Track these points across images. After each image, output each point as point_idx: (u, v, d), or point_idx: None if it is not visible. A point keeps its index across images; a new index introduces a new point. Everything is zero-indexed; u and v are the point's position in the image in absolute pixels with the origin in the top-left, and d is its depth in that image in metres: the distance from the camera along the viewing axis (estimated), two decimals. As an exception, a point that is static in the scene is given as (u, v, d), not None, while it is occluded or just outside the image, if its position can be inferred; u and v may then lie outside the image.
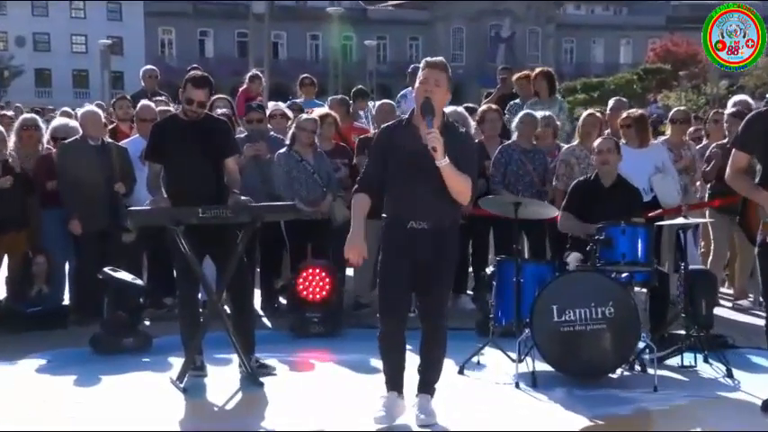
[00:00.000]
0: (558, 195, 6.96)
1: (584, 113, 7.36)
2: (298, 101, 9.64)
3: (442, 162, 3.93)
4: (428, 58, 4.11)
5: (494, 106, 7.97)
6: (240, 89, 10.06)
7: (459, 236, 4.20)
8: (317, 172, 6.84)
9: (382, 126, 4.30)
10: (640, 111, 7.77)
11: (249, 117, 7.32)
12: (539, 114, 7.48)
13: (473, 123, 7.42)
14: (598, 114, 7.39)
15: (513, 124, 7.21)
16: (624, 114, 7.28)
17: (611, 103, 8.20)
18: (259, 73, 10.13)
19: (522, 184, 6.97)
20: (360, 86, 10.49)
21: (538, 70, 8.84)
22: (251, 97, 9.24)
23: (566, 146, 7.27)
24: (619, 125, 7.21)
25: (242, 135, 7.29)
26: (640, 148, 7.01)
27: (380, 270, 4.06)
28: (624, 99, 8.34)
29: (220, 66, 48.57)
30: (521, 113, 7.29)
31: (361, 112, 9.80)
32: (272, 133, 7.41)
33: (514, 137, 7.14)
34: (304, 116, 7.11)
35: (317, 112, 7.62)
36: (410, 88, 9.90)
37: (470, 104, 8.90)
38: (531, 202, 5.59)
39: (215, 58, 51.86)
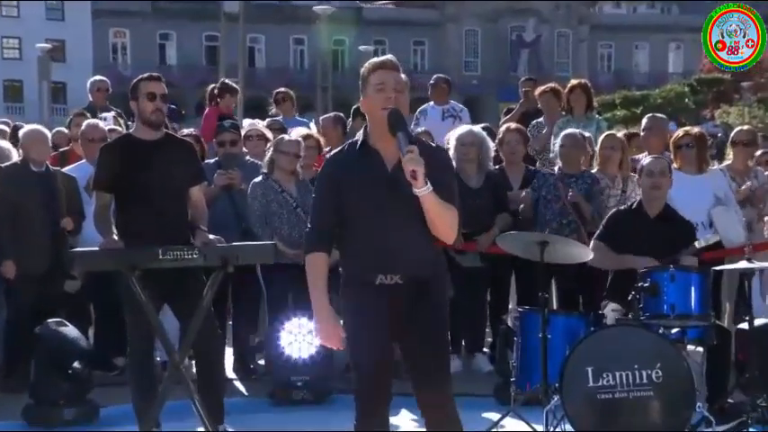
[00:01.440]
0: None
1: (603, 135, 7.46)
2: (279, 118, 9.71)
3: (424, 190, 3.63)
4: (375, 59, 3.87)
5: (514, 125, 8.07)
6: (208, 108, 10.15)
7: (446, 284, 3.98)
8: (300, 206, 6.91)
9: (327, 157, 4.04)
10: (697, 128, 7.83)
11: (220, 139, 7.40)
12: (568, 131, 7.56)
13: (492, 146, 7.50)
14: (620, 135, 7.47)
15: (556, 147, 7.26)
16: (681, 132, 7.30)
17: (644, 122, 7.90)
18: (233, 83, 10.21)
19: (551, 212, 7.03)
20: None
21: (574, 83, 8.93)
22: (224, 115, 9.30)
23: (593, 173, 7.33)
24: (673, 145, 7.22)
25: (212, 161, 7.35)
26: (698, 175, 7.05)
27: (348, 345, 3.80)
28: (661, 116, 8.37)
29: (185, 75, 49.13)
30: (563, 133, 7.32)
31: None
32: (247, 158, 7.48)
33: (558, 163, 7.20)
34: (285, 137, 7.18)
35: (297, 132, 7.71)
36: (431, 103, 10.03)
37: (487, 125, 8.97)
38: (561, 240, 5.63)
39: (178, 66, 52.32)
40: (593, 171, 7.25)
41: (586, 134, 7.69)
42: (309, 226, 3.95)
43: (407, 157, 3.61)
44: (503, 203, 7.29)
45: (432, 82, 10.15)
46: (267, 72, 51.81)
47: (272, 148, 7.03)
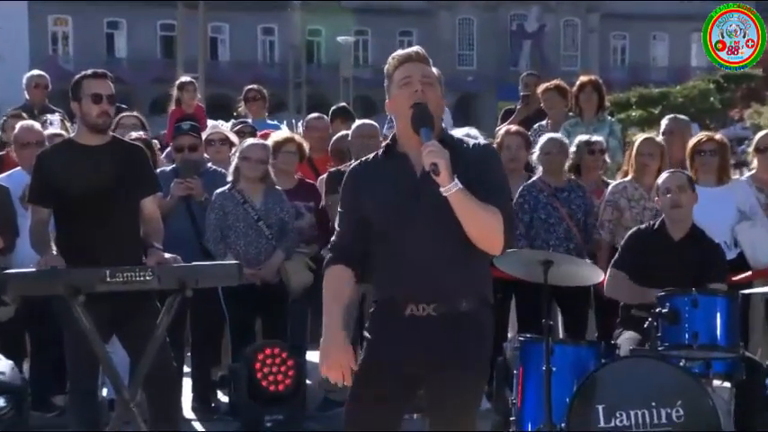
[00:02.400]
0: (602, 251, 7.04)
1: (640, 138, 7.45)
2: (249, 120, 9.72)
3: (451, 187, 3.53)
4: (400, 53, 3.82)
5: (514, 128, 8.10)
6: (171, 109, 10.15)
7: (493, 323, 3.85)
8: (263, 219, 6.93)
9: (351, 165, 4.01)
10: (719, 134, 7.83)
11: (178, 143, 7.41)
12: (583, 138, 7.59)
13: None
14: (659, 139, 7.46)
15: (534, 155, 7.29)
16: (702, 137, 7.25)
17: (665, 123, 7.92)
18: (192, 80, 10.23)
19: (556, 237, 7.05)
20: (341, 105, 10.60)
21: (583, 79, 8.97)
22: (187, 116, 9.31)
23: (614, 182, 7.36)
24: (692, 151, 7.19)
25: (168, 168, 7.35)
26: (719, 186, 7.08)
27: (355, 379, 3.70)
28: (683, 117, 8.36)
29: (137, 70, 49.09)
30: (542, 139, 7.37)
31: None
32: (209, 165, 7.49)
33: (538, 173, 7.24)
34: (249, 141, 7.20)
35: (276, 135, 7.71)
36: None
37: (476, 130, 8.97)
38: (567, 259, 5.65)
39: (129, 59, 52.26)
40: (628, 180, 7.27)
41: (598, 138, 7.71)
42: (332, 241, 3.91)
43: (426, 150, 3.55)
44: (509, 214, 7.30)
45: None
46: (232, 66, 51.80)
47: (236, 154, 7.05)
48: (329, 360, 3.68)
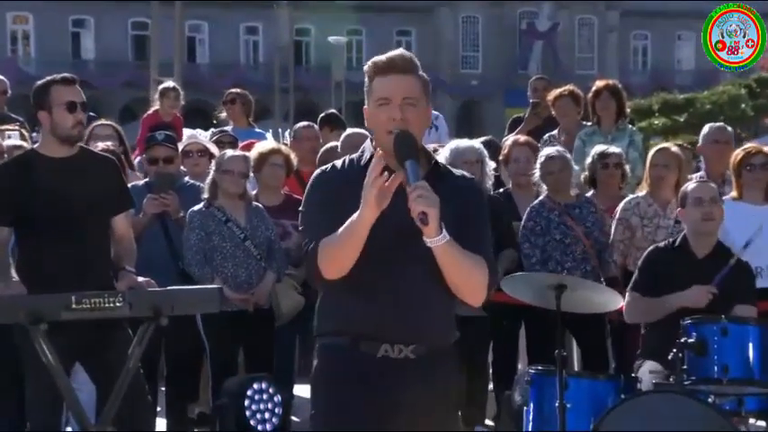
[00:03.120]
0: (616, 274, 7.06)
1: (655, 148, 7.48)
2: (228, 128, 9.73)
3: (438, 240, 3.49)
4: (379, 59, 3.70)
5: (523, 139, 8.12)
6: (145, 114, 10.17)
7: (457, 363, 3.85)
8: (250, 238, 6.93)
9: (318, 170, 3.86)
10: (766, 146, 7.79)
11: (152, 154, 7.42)
12: (598, 150, 7.61)
13: (492, 165, 7.53)
14: (675, 149, 7.49)
15: (536, 173, 7.30)
16: (752, 149, 7.19)
17: (705, 130, 7.91)
18: (175, 85, 10.20)
19: (572, 259, 7.07)
20: (330, 111, 10.62)
21: (600, 84, 8.99)
22: (162, 123, 9.33)
23: (627, 198, 7.38)
24: (737, 166, 7.11)
25: (141, 182, 7.37)
26: (765, 205, 6.98)
27: None
28: (726, 127, 8.31)
29: (106, 74, 49.19)
30: (541, 156, 7.36)
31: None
32: (186, 179, 7.50)
33: (543, 191, 7.27)
34: (228, 153, 7.22)
35: (261, 146, 7.72)
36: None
37: (491, 137, 9.01)
38: (582, 284, 5.66)
39: (97, 61, 52.36)
40: (641, 194, 7.29)
41: (615, 150, 7.73)
42: (307, 240, 3.68)
43: (414, 193, 3.43)
44: (507, 237, 7.31)
45: None
46: (211, 69, 51.91)
47: (213, 167, 7.06)
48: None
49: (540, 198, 7.22)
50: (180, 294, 5.19)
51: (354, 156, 3.80)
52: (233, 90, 10.49)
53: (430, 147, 7.91)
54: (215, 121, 10.79)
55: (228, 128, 9.83)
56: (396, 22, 55.19)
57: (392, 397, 3.63)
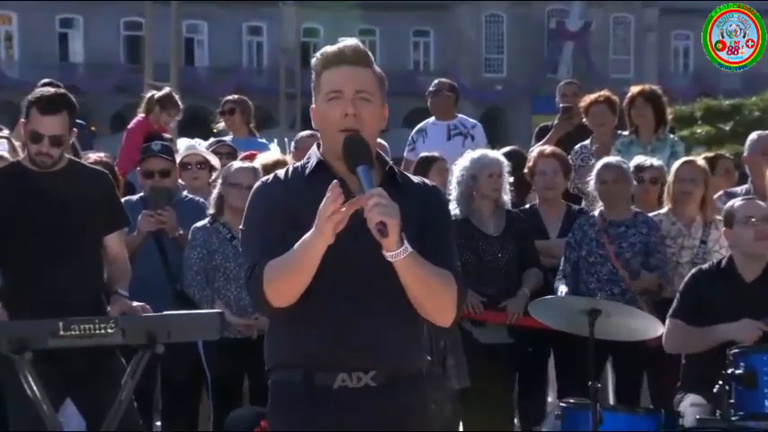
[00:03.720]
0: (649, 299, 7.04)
1: (679, 162, 7.50)
2: (227, 139, 9.74)
3: (399, 253, 3.41)
4: (327, 49, 3.67)
5: (549, 149, 8.09)
6: (135, 120, 10.17)
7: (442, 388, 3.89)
8: (257, 258, 6.95)
9: (258, 182, 3.80)
10: None
11: (147, 167, 7.43)
12: (632, 162, 7.61)
13: (509, 179, 7.52)
14: (701, 162, 7.51)
15: (591, 182, 7.31)
16: None
17: (752, 139, 7.98)
18: (177, 101, 10.13)
19: (596, 279, 7.08)
20: None
21: (637, 89, 8.97)
22: (155, 133, 9.34)
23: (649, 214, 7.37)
24: None
25: (135, 197, 7.40)
26: None
27: None
28: None
29: (96, 77, 49.24)
30: (598, 164, 7.40)
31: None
32: (184, 193, 7.54)
33: (599, 205, 7.27)
34: (236, 164, 7.23)
35: (263, 157, 7.73)
36: (432, 119, 10.10)
37: (515, 147, 8.99)
38: (617, 309, 5.66)
39: (86, 64, 52.46)
40: (664, 212, 7.30)
41: (652, 162, 7.73)
42: (249, 263, 3.61)
43: (371, 202, 3.34)
44: (532, 256, 7.32)
45: (432, 89, 10.21)
46: (211, 73, 51.99)
47: (219, 181, 7.08)
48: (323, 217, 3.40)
49: (594, 212, 7.25)
50: (177, 319, 5.20)
51: (299, 163, 3.74)
52: (230, 98, 10.46)
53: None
54: (214, 130, 10.79)
55: (227, 138, 9.83)
56: (412, 22, 55.15)
57: (355, 430, 3.56)
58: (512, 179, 7.45)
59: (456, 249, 3.74)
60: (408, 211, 3.48)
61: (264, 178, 3.77)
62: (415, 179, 3.78)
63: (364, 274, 3.53)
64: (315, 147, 3.72)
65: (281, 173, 3.73)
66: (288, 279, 3.50)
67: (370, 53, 3.67)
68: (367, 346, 3.54)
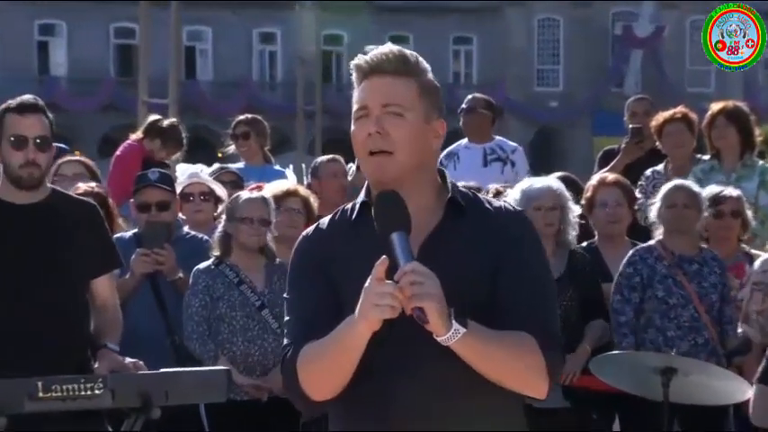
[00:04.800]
0: (751, 354, 7.00)
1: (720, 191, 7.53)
2: (232, 166, 9.76)
3: (450, 338, 3.33)
4: (360, 58, 3.59)
5: (612, 177, 8.07)
6: (125, 144, 10.21)
7: None
8: (268, 306, 6.97)
9: (302, 235, 3.82)
10: None
11: (142, 198, 7.45)
12: (708, 192, 7.59)
13: (576, 210, 7.52)
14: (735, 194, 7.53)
15: (653, 209, 7.31)
16: None
17: None
18: (178, 126, 10.09)
19: (677, 326, 7.06)
20: None
21: (719, 106, 8.95)
22: (151, 159, 9.37)
23: (764, 255, 7.35)
24: None
25: (128, 234, 7.45)
26: None
27: None
28: None
29: (81, 93, 49.62)
30: (665, 187, 7.40)
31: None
32: (185, 229, 7.57)
33: (658, 234, 7.27)
34: (244, 195, 7.25)
35: (273, 186, 7.75)
36: (465, 141, 10.10)
37: (568, 174, 8.96)
38: (697, 366, 5.64)
39: (70, 77, 52.81)
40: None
41: (735, 193, 7.71)
42: (287, 343, 3.63)
43: (406, 279, 3.27)
44: (596, 303, 7.29)
45: (464, 106, 10.20)
46: (216, 88, 52.33)
47: (224, 215, 7.11)
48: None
49: (650, 242, 7.21)
50: (176, 378, 5.21)
51: (348, 205, 3.69)
52: (242, 119, 10.47)
53: (492, 188, 8.02)
54: (220, 155, 10.82)
55: (235, 165, 9.83)
56: (452, 27, 55.26)
57: None
58: (579, 211, 7.43)
59: (552, 294, 3.61)
60: (476, 252, 3.48)
61: (307, 231, 3.76)
62: (495, 203, 3.65)
63: (428, 340, 3.40)
64: (365, 185, 3.66)
65: (324, 222, 3.71)
66: (326, 370, 3.47)
67: (415, 58, 3.59)
68: (426, 419, 3.48)
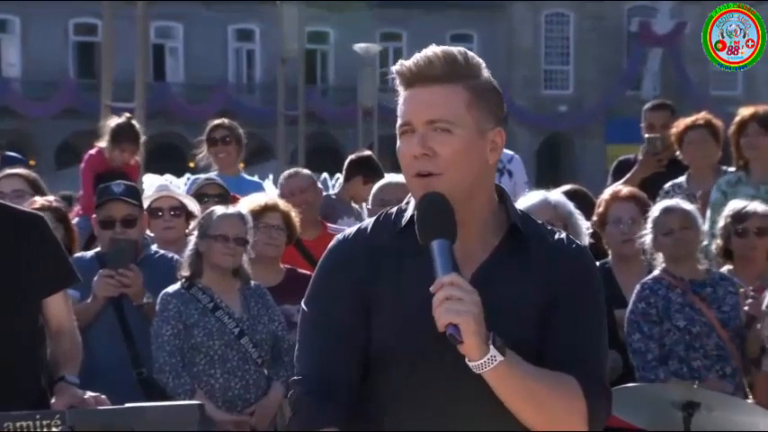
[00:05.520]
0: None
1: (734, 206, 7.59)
2: (214, 175, 9.75)
3: (484, 363, 3.35)
4: (405, 65, 3.54)
5: (627, 191, 8.08)
6: (88, 153, 10.23)
7: None
8: (248, 333, 7.00)
9: (334, 241, 3.73)
10: None
11: (105, 213, 7.45)
12: (732, 208, 7.62)
13: (586, 227, 7.53)
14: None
15: (647, 236, 7.27)
16: None
17: None
18: (130, 122, 10.17)
19: (703, 355, 7.09)
20: (363, 155, 10.66)
21: (746, 113, 8.94)
22: (114, 170, 9.40)
23: None
24: None
25: (88, 254, 7.46)
26: None
27: None
28: None
29: (36, 97, 49.61)
30: (654, 210, 7.38)
31: (357, 206, 9.95)
32: (154, 248, 7.59)
33: (659, 262, 7.29)
34: (218, 210, 7.26)
35: (249, 201, 7.76)
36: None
37: (577, 187, 8.97)
38: (722, 401, 5.66)
39: (25, 79, 52.78)
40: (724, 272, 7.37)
41: (759, 209, 7.72)
42: (302, 374, 3.63)
43: (440, 295, 3.30)
44: (609, 329, 7.31)
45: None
46: (187, 90, 52.36)
47: (196, 232, 7.13)
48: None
49: (655, 273, 7.23)
50: (142, 414, 5.19)
51: (394, 209, 3.66)
52: (221, 122, 10.52)
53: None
54: (192, 164, 10.85)
55: (213, 174, 9.85)
56: (450, 23, 55.28)
57: None
58: (588, 226, 7.41)
59: (604, 339, 3.65)
60: (531, 286, 3.49)
61: (341, 236, 3.70)
62: (555, 234, 3.65)
63: (463, 375, 3.43)
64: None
65: (367, 225, 3.67)
66: None
67: (464, 57, 3.52)
68: None
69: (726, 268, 7.56)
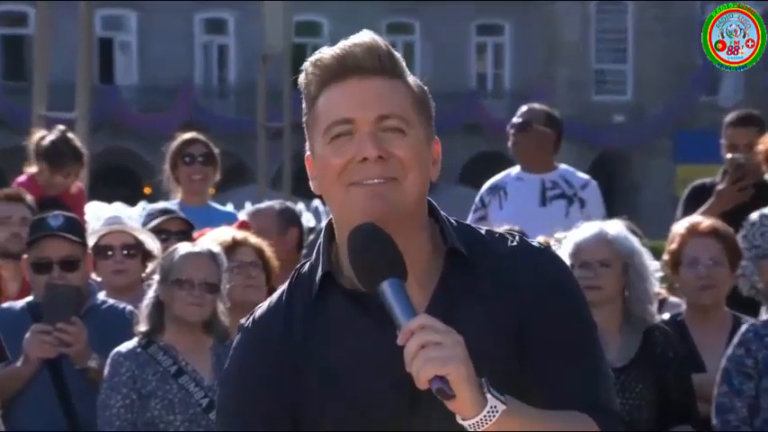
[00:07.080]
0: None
1: None
2: (174, 205, 9.81)
3: (483, 418, 3.31)
4: (324, 53, 3.55)
5: (705, 223, 8.14)
6: (16, 181, 10.30)
7: None
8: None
9: (246, 321, 3.72)
10: None
11: (39, 254, 7.49)
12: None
13: (654, 269, 7.57)
14: None
15: (743, 259, 7.32)
16: None
17: None
18: (66, 136, 10.26)
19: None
20: None
21: None
22: (45, 198, 9.47)
23: None
24: None
25: (18, 304, 7.48)
26: None
27: None
28: None
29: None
30: (751, 217, 7.56)
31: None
32: (100, 296, 7.65)
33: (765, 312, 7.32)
34: (182, 248, 7.31)
35: (215, 235, 7.79)
36: (516, 170, 10.23)
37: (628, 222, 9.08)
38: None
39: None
40: None
41: None
42: None
43: (413, 344, 3.28)
44: (683, 402, 7.34)
45: (516, 120, 10.32)
46: (143, 95, 52.49)
47: (157, 275, 7.16)
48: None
49: (762, 317, 7.28)
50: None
51: (306, 265, 3.68)
52: (194, 138, 10.60)
53: (542, 238, 8.11)
54: (148, 191, 10.89)
55: (174, 203, 9.91)
56: (475, 12, 55.32)
57: None
58: (657, 268, 7.44)
59: (601, 357, 3.63)
60: (495, 313, 3.50)
61: (246, 319, 3.69)
62: (507, 241, 3.63)
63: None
64: (324, 229, 3.65)
65: (270, 303, 3.67)
66: None
67: (398, 55, 3.54)
68: None
69: None
